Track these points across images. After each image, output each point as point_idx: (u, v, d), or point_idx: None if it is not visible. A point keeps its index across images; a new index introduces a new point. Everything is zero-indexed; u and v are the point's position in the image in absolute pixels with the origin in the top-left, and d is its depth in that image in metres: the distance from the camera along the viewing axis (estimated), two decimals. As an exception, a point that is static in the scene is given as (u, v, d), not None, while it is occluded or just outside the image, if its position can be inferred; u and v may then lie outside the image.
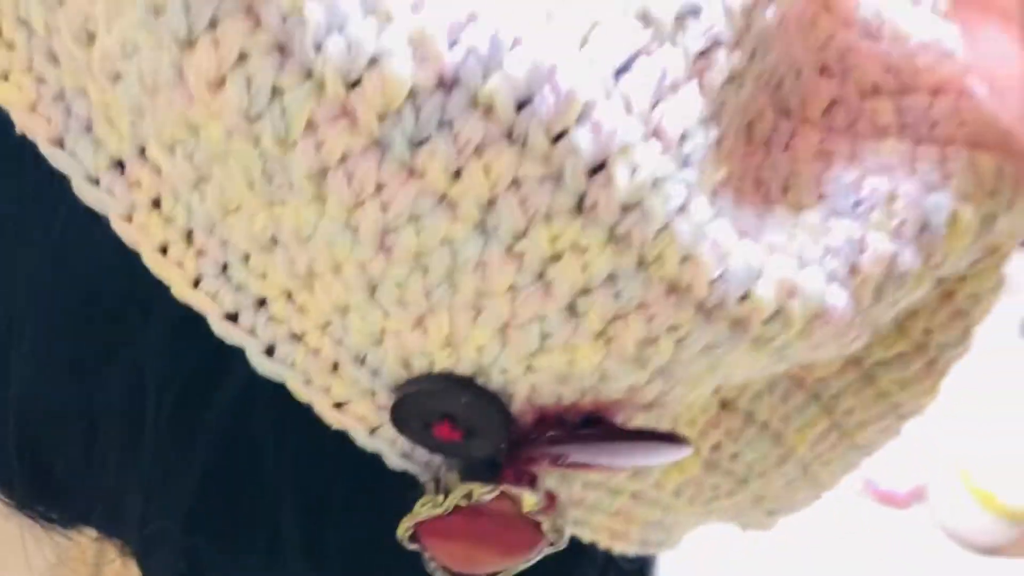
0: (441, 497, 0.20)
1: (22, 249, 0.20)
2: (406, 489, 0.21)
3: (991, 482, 1.09)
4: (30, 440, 0.21)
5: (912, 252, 0.19)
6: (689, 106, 0.16)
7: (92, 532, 0.24)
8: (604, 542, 0.25)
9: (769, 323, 0.17)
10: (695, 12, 0.16)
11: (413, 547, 0.21)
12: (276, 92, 0.15)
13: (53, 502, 0.23)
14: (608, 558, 0.25)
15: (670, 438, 0.20)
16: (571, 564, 0.23)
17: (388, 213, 0.16)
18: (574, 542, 0.23)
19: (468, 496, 0.19)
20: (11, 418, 0.21)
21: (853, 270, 0.19)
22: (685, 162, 0.16)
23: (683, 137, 0.16)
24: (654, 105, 0.16)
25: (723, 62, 0.16)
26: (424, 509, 0.20)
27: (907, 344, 0.25)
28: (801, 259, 0.18)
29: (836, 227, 0.19)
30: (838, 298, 0.18)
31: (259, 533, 0.21)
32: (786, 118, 0.20)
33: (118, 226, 0.18)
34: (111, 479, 0.21)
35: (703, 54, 0.16)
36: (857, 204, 0.19)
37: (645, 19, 0.16)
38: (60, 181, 0.19)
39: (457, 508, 0.20)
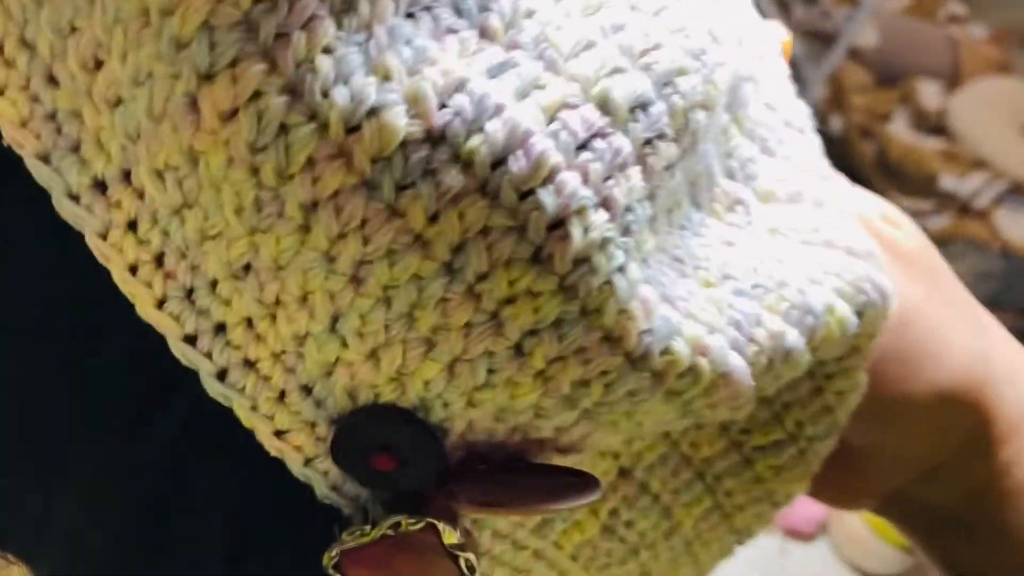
0: (369, 527, 0.21)
1: None
2: (330, 523, 0.22)
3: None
4: None
5: (797, 334, 0.22)
6: (634, 184, 0.19)
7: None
8: None
9: (682, 377, 0.20)
10: (645, 106, 0.19)
11: None
12: (283, 129, 0.16)
13: None
14: None
15: (582, 475, 0.21)
16: None
17: (368, 246, 0.17)
18: None
19: (395, 527, 0.21)
20: None
21: (751, 340, 0.21)
22: (626, 230, 0.19)
23: (627, 209, 0.19)
24: (606, 179, 0.18)
25: (663, 151, 0.19)
26: (351, 538, 0.21)
27: (782, 433, 0.28)
28: (710, 326, 0.21)
29: (738, 304, 0.22)
30: (738, 362, 0.21)
31: (182, 558, 0.22)
32: (697, 210, 0.23)
33: (92, 242, 0.19)
34: (40, 496, 0.21)
35: (648, 142, 0.19)
36: (755, 287, 0.22)
37: (604, 106, 0.18)
38: (32, 202, 0.20)
39: (383, 539, 0.21)
